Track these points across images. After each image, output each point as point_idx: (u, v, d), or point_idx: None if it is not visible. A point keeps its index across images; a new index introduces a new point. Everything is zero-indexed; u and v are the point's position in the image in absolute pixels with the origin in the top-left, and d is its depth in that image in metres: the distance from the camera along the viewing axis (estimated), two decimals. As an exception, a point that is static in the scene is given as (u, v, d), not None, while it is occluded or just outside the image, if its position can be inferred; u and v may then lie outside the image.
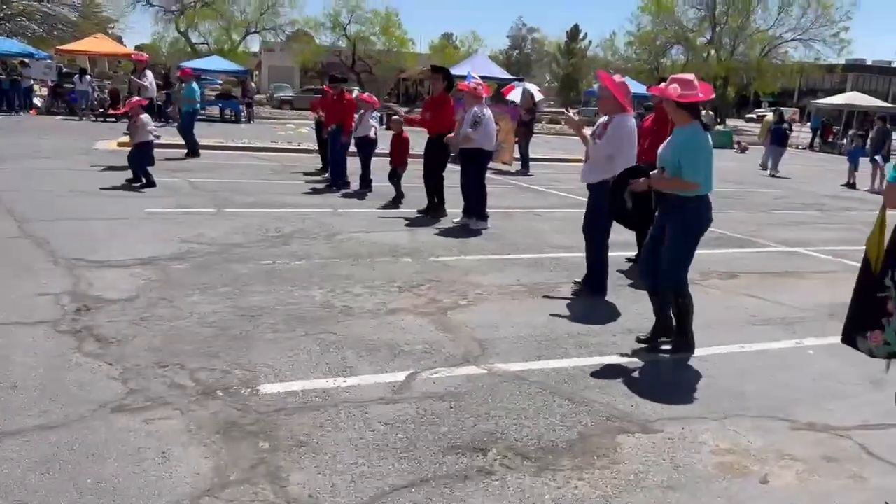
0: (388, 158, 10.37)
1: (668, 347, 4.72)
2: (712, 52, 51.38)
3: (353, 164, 11.43)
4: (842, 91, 45.91)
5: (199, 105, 15.45)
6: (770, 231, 9.66)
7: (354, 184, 11.38)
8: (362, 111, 11.17)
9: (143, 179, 10.27)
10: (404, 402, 3.71)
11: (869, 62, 68.29)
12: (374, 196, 10.69)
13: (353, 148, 11.48)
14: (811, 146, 32.71)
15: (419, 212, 9.38)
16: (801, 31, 50.19)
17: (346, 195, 10.76)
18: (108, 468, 2.92)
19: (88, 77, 24.90)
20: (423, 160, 9.38)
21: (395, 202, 10.06)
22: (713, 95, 4.63)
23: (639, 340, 4.84)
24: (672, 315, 4.70)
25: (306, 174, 13.01)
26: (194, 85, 14.85)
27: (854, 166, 17.22)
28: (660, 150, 4.68)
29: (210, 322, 4.75)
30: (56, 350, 4.11)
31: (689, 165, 4.36)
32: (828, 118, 35.25)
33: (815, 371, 4.57)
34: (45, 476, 2.84)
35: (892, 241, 2.88)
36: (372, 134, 11.08)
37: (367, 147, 11.16)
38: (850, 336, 3.08)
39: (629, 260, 7.10)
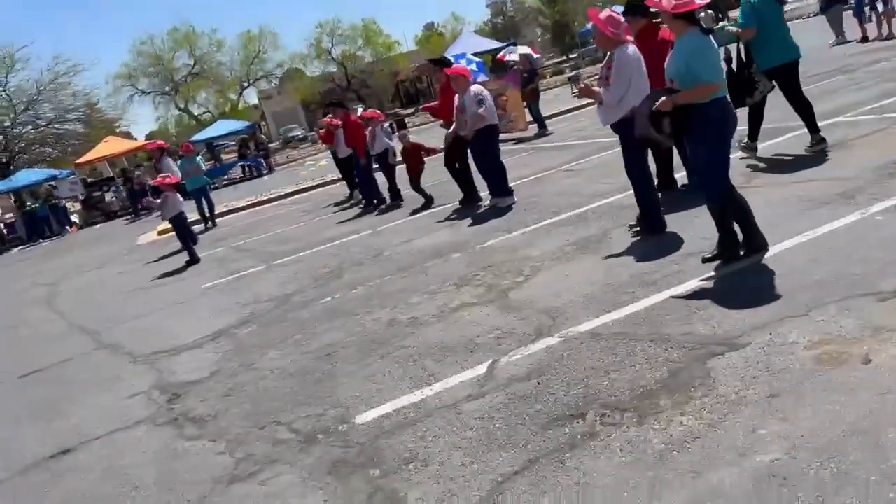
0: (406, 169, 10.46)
1: (742, 254, 4.64)
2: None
3: (382, 178, 11.55)
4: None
5: (205, 177, 15.71)
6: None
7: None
8: (370, 128, 11.24)
9: (188, 255, 10.62)
10: (492, 393, 3.75)
11: None
12: (406, 205, 10.76)
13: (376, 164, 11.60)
14: (821, 9, 31.41)
15: (460, 202, 9.39)
16: None
17: (381, 212, 10.86)
18: (240, 537, 3.05)
19: (115, 185, 25.72)
20: (444, 154, 9.38)
21: (427, 205, 10.10)
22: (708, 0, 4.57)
23: (705, 260, 4.79)
24: (731, 222, 4.63)
25: (337, 204, 13.20)
26: (197, 159, 15.18)
27: (860, 18, 16.49)
28: (666, 66, 4.64)
29: (291, 373, 4.89)
30: (160, 443, 4.30)
31: (702, 68, 4.35)
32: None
33: (888, 236, 4.42)
34: (186, 561, 2.98)
35: None
36: (388, 146, 11.10)
37: (387, 160, 11.18)
38: None
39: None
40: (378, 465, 3.34)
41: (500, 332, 4.56)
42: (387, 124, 12.06)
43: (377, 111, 11.87)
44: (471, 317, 5.03)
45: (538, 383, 3.71)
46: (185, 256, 10.78)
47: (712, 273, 4.58)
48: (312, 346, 5.32)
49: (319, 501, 3.17)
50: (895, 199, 5.01)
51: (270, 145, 36.34)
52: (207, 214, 14.94)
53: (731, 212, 4.60)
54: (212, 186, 15.72)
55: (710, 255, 4.79)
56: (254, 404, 4.52)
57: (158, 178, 11.31)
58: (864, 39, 16.18)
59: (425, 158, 10.39)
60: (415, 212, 10.00)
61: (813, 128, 6.95)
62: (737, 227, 4.66)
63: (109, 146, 29.61)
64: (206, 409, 4.63)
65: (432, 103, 10.68)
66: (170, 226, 11.56)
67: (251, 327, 6.32)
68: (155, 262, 11.80)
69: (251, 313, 6.80)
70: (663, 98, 4.53)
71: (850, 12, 16.68)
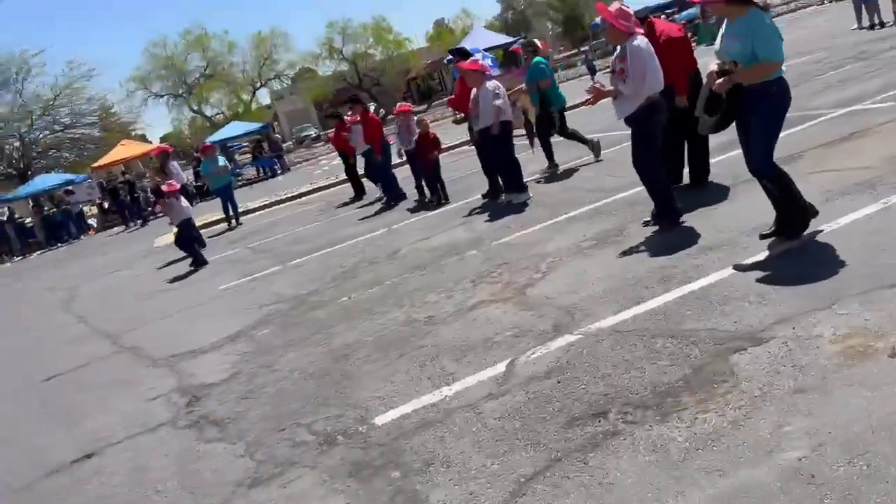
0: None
1: (794, 230, 4.63)
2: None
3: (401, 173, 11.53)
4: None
5: (230, 175, 15.78)
6: (820, 98, 9.24)
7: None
8: (402, 123, 10.98)
9: (193, 259, 10.70)
10: (512, 392, 3.73)
11: None
12: (417, 203, 10.74)
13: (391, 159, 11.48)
14: (836, -4, 31.03)
15: (483, 196, 9.37)
16: None
17: (394, 209, 10.78)
18: (262, 541, 3.05)
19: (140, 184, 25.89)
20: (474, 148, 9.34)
21: (440, 202, 10.07)
22: None
23: (763, 236, 4.77)
24: (785, 196, 4.61)
25: (350, 203, 13.23)
26: (219, 158, 15.19)
27: (861, 7, 16.28)
28: (720, 46, 4.57)
29: (310, 374, 4.89)
30: (182, 446, 4.32)
31: (765, 47, 4.29)
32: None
33: (912, 225, 4.35)
34: (210, 565, 2.98)
35: None
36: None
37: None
38: None
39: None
40: (399, 467, 3.32)
41: (519, 330, 4.53)
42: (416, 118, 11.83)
43: (408, 104, 11.75)
44: (488, 315, 5.01)
45: (558, 382, 3.69)
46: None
47: (731, 268, 4.53)
48: (330, 347, 5.32)
49: (341, 504, 3.17)
50: (918, 187, 4.94)
51: (284, 145, 36.42)
52: (231, 213, 14.99)
53: (781, 188, 4.57)
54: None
55: (768, 231, 4.77)
56: (273, 406, 4.52)
57: (164, 185, 11.40)
58: (872, 26, 15.97)
59: (434, 156, 10.28)
60: (425, 208, 9.99)
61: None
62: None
63: (125, 150, 29.89)
64: (226, 412, 4.64)
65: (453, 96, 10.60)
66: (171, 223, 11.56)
67: (269, 328, 6.33)
68: (172, 263, 11.86)
69: (269, 314, 6.81)
70: (720, 80, 4.45)
71: None
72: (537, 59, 9.75)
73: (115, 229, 23.61)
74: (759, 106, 4.42)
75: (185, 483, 3.81)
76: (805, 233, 4.63)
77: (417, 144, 10.28)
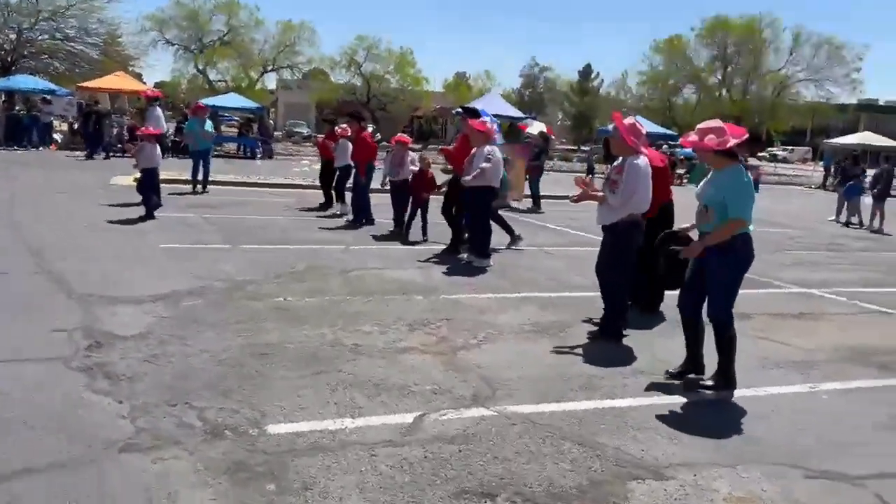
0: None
1: (709, 384, 4.78)
2: (724, 91, 51.66)
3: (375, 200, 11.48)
4: (854, 131, 45.86)
5: (212, 142, 15.54)
6: (785, 271, 9.59)
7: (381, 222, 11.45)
8: (397, 153, 10.95)
9: (146, 208, 10.45)
10: (412, 445, 3.68)
11: (881, 102, 68.41)
12: (387, 233, 10.71)
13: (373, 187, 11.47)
14: (824, 185, 32.62)
15: (445, 251, 9.40)
16: (814, 71, 50.48)
17: (377, 239, 10.57)
18: (114, 509, 2.90)
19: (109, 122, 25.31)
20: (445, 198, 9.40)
21: (401, 239, 10.09)
22: (746, 135, 4.74)
23: (669, 374, 4.90)
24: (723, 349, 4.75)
25: (313, 210, 13.15)
26: (208, 122, 14.95)
27: (844, 203, 17.24)
28: (700, 188, 4.82)
29: (221, 360, 4.76)
30: (67, 387, 4.13)
31: (736, 204, 4.52)
32: (841, 158, 35.21)
33: (830, 417, 4.50)
34: (51, 516, 2.83)
35: None
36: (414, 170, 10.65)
37: (405, 190, 10.63)
38: None
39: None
40: (277, 481, 3.23)
41: (438, 388, 4.50)
42: (414, 154, 11.80)
43: (408, 137, 11.76)
44: (414, 362, 4.97)
45: (459, 450, 3.65)
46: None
47: (656, 397, 4.60)
48: (251, 341, 5.19)
49: (207, 498, 3.05)
50: (845, 383, 5.12)
51: (275, 134, 36.10)
52: (201, 179, 14.70)
53: (723, 338, 4.71)
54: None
55: (674, 371, 4.92)
56: (173, 378, 4.37)
57: (143, 128, 11.15)
58: (853, 224, 16.80)
59: (426, 196, 10.33)
60: (386, 239, 10.00)
61: None
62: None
63: (118, 80, 29.27)
64: (123, 369, 4.47)
65: (450, 147, 10.68)
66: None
67: (197, 301, 6.17)
68: (123, 206, 11.54)
69: (201, 287, 6.64)
70: (692, 244, 4.69)
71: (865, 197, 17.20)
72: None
73: (78, 153, 22.93)
74: (722, 259, 4.60)
75: (58, 425, 3.62)
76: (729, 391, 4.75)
77: (414, 179, 10.33)
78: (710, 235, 4.62)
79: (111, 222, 10.03)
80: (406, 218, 10.42)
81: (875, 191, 16.65)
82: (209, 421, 3.81)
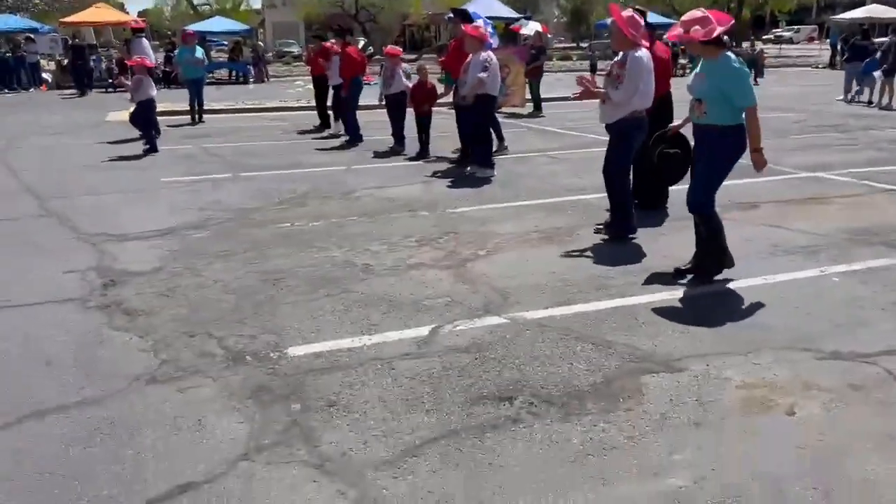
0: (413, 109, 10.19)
1: (706, 273, 4.80)
2: (725, -28, 49.58)
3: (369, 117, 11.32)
4: (861, 4, 44.21)
5: (204, 70, 15.24)
6: (790, 157, 9.48)
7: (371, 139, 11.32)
8: (387, 66, 10.75)
9: (147, 142, 10.38)
10: (429, 357, 3.76)
11: (890, -29, 65.64)
12: (387, 149, 10.61)
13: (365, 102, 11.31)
14: (831, 64, 31.78)
15: (452, 162, 9.33)
16: (818, -57, 48.15)
17: (377, 155, 10.45)
18: (146, 439, 3.01)
19: (95, 55, 24.71)
20: (453, 109, 9.23)
21: (421, 156, 9.97)
22: (732, 21, 4.60)
23: (678, 271, 4.90)
24: (710, 238, 4.75)
25: (314, 131, 12.99)
26: (197, 49, 14.59)
27: (853, 81, 16.85)
28: (692, 81, 4.69)
29: (234, 289, 4.82)
30: (86, 326, 4.21)
31: (740, 92, 4.43)
32: (848, 34, 34.15)
33: (839, 299, 4.53)
34: (87, 450, 2.94)
35: None
36: (405, 87, 10.43)
37: (402, 103, 10.51)
38: None
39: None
40: (301, 401, 3.32)
41: (450, 300, 4.56)
42: (406, 66, 11.54)
43: (398, 49, 11.41)
44: (425, 277, 5.02)
45: (475, 358, 3.73)
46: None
47: (667, 292, 4.65)
48: (261, 268, 5.24)
49: (234, 422, 3.15)
50: (855, 265, 5.14)
51: (266, 55, 35.16)
52: (196, 108, 14.48)
53: (707, 226, 4.70)
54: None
55: (684, 267, 4.90)
56: (190, 310, 4.44)
57: (135, 59, 10.89)
58: (868, 103, 16.47)
59: (428, 108, 10.14)
60: (385, 156, 9.91)
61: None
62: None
63: (99, 12, 28.41)
64: (140, 304, 4.54)
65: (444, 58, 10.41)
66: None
67: (204, 233, 6.20)
68: (122, 142, 11.43)
69: (207, 218, 6.66)
70: (756, 161, 4.54)
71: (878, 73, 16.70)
72: None
73: (68, 91, 22.56)
74: (714, 145, 4.56)
75: (81, 363, 3.72)
76: (718, 277, 4.80)
77: (413, 91, 10.12)
78: (751, 137, 4.49)
79: (112, 160, 9.97)
80: (419, 134, 10.19)
81: (885, 66, 16.22)
82: (229, 349, 3.89)
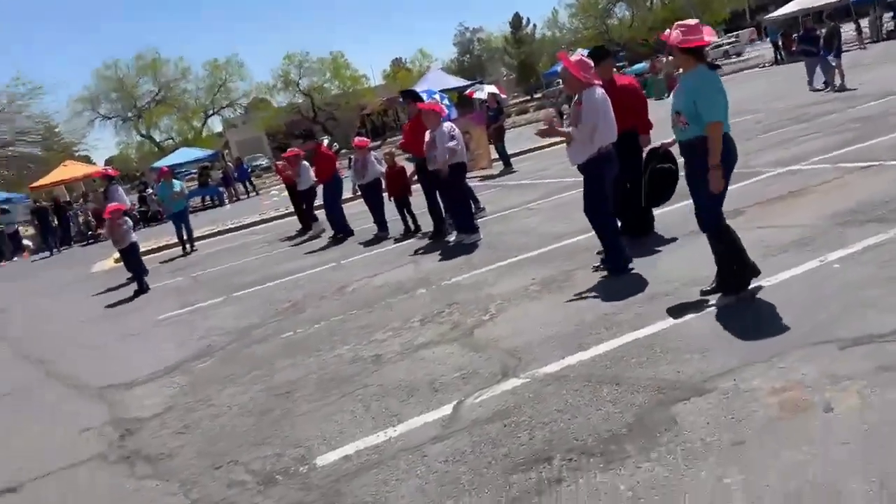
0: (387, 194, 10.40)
1: (731, 287, 4.72)
2: (654, -1, 51.41)
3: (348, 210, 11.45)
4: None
5: (186, 200, 15.44)
6: (761, 157, 9.61)
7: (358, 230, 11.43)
8: (358, 158, 10.99)
9: (138, 285, 10.45)
10: (458, 435, 3.70)
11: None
12: (372, 237, 10.70)
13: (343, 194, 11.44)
14: (776, 61, 32.63)
15: (429, 238, 9.42)
16: (736, -50, 50.04)
17: (366, 244, 10.50)
18: (192, 586, 2.92)
19: (71, 212, 25.05)
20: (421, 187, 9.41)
21: (410, 234, 10.10)
22: (715, 38, 4.69)
23: (704, 293, 4.84)
24: (729, 252, 4.70)
25: (296, 237, 13.11)
26: (175, 182, 14.85)
27: (815, 69, 17.30)
28: (673, 97, 4.78)
29: (249, 410, 4.76)
30: (112, 482, 4.13)
31: (707, 106, 4.43)
32: (785, 29, 35.19)
33: (846, 284, 4.52)
34: None
35: None
36: (379, 174, 10.66)
37: (378, 190, 10.77)
38: None
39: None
40: (339, 510, 3.24)
41: (466, 372, 4.51)
42: (376, 153, 11.80)
43: (365, 139, 11.68)
44: (435, 355, 4.98)
45: (504, 425, 3.67)
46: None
47: (674, 316, 4.62)
48: (272, 383, 5.20)
49: (277, 547, 3.06)
50: (851, 247, 5.15)
51: (236, 172, 35.79)
52: (186, 238, 14.62)
53: (723, 242, 4.68)
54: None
55: (708, 288, 4.85)
56: (210, 442, 4.37)
57: (109, 207, 11.06)
58: (825, 84, 16.87)
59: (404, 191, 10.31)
60: (371, 244, 9.99)
61: None
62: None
63: (67, 170, 29.04)
64: (160, 447, 4.47)
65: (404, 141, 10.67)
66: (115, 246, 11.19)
67: (208, 361, 6.16)
68: (110, 290, 11.48)
69: (208, 347, 6.63)
70: (711, 176, 4.49)
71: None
72: None
73: (41, 254, 22.77)
74: (703, 161, 4.53)
75: (112, 522, 3.63)
76: (745, 290, 4.75)
77: (387, 178, 10.32)
78: (711, 153, 4.45)
79: (107, 306, 10.01)
80: (402, 219, 10.38)
81: (833, 50, 16.71)
82: (257, 472, 3.82)
